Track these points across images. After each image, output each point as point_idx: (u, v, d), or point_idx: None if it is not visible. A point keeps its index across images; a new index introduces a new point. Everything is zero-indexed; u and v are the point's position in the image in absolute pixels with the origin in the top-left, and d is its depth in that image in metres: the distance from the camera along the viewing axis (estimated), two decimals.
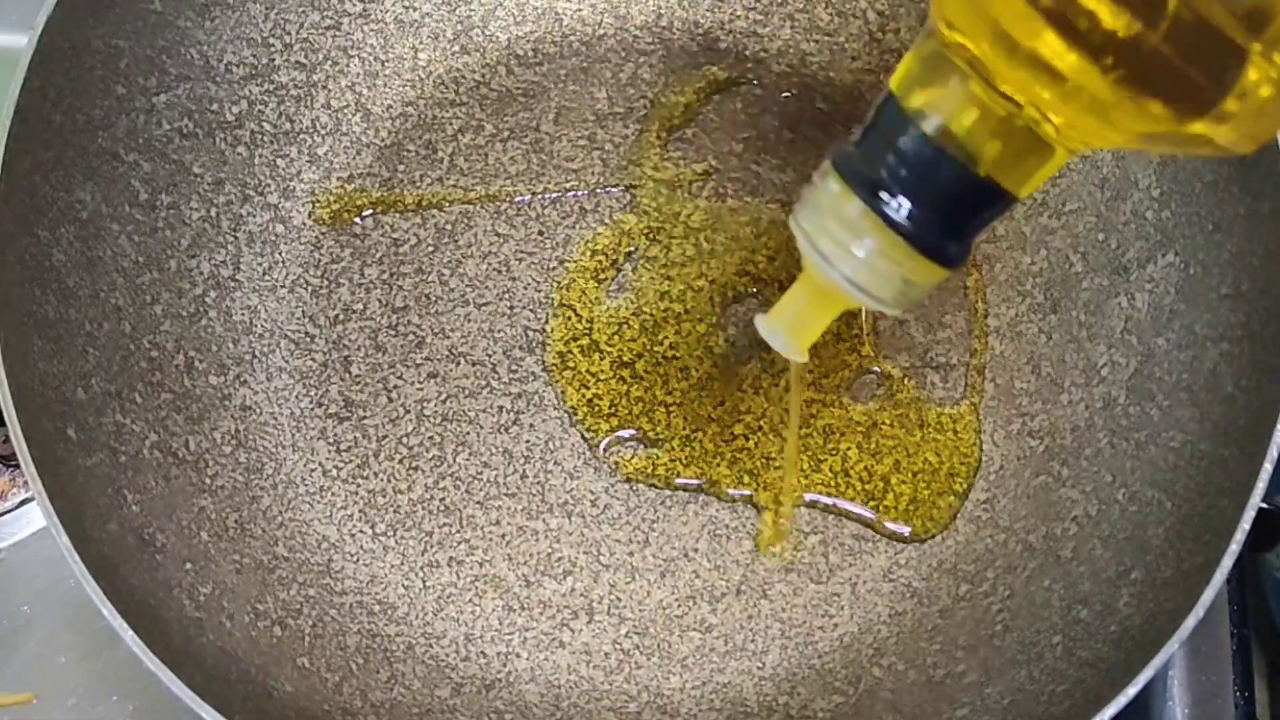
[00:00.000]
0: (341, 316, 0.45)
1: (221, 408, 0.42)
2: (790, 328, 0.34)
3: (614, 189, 0.46)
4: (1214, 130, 0.27)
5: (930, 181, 0.30)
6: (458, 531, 0.42)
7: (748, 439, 0.43)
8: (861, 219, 0.30)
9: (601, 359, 0.44)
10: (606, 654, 0.41)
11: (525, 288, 0.45)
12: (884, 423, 0.44)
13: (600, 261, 0.45)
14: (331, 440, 0.43)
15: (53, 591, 0.44)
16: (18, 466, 0.35)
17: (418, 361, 0.44)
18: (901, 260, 0.31)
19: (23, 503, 0.46)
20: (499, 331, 0.44)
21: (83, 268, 0.39)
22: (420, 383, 0.44)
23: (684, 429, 0.43)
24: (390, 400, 0.44)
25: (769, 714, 0.40)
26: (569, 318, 0.44)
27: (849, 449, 0.43)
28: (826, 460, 0.43)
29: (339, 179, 0.46)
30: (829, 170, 0.31)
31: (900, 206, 0.30)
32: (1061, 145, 0.29)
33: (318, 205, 0.46)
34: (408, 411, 0.44)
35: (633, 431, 0.43)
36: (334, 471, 0.43)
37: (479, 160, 0.46)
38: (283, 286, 0.45)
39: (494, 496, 0.43)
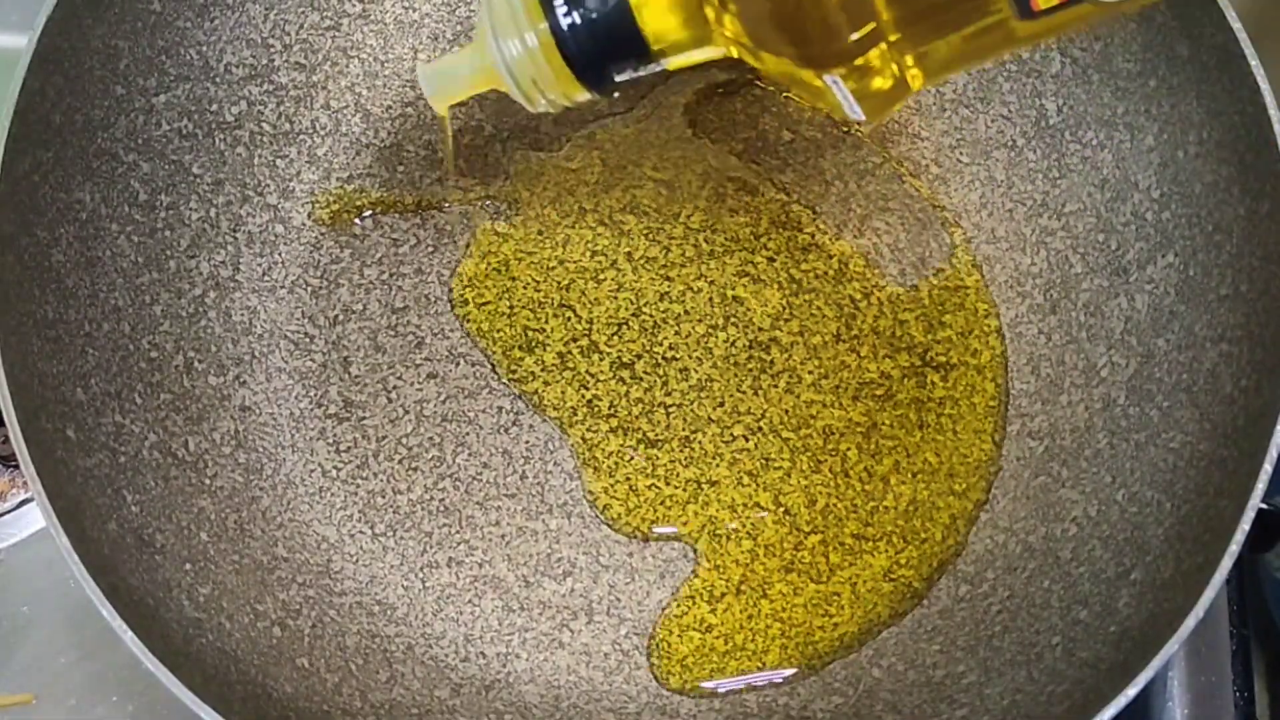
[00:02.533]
0: (341, 317, 0.45)
1: (221, 408, 0.42)
2: (444, 83, 0.37)
3: (614, 189, 0.46)
4: (829, 89, 0.32)
5: (604, 20, 0.33)
6: (457, 532, 0.42)
7: (747, 440, 0.43)
8: (535, 20, 0.34)
9: (601, 359, 0.44)
10: (606, 654, 0.41)
11: (524, 287, 0.45)
12: (884, 423, 0.44)
13: (600, 262, 0.45)
14: (331, 441, 0.43)
15: (52, 592, 0.44)
16: (17, 467, 0.35)
17: (417, 362, 0.44)
18: (552, 67, 0.34)
19: (22, 503, 0.46)
20: (498, 331, 0.44)
21: (82, 268, 0.39)
22: (420, 383, 0.44)
23: (683, 430, 0.43)
24: (390, 400, 0.44)
25: (769, 714, 0.40)
26: (568, 318, 0.44)
27: (848, 449, 0.43)
28: (826, 461, 0.43)
29: (338, 179, 0.46)
30: None
31: (571, 24, 0.33)
32: (720, 38, 0.33)
33: (317, 206, 0.46)
34: (407, 412, 0.44)
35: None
36: (333, 472, 0.43)
37: (478, 160, 0.46)
38: (282, 287, 0.45)
39: (493, 497, 0.43)
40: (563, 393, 0.44)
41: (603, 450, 0.43)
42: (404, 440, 0.43)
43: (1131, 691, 0.33)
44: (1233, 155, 0.38)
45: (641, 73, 0.34)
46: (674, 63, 0.34)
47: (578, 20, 0.33)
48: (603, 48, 0.34)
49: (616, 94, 0.35)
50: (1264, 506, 0.35)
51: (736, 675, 0.41)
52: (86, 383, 0.38)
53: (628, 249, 0.45)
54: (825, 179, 0.46)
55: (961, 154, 0.46)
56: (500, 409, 0.44)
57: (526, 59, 0.34)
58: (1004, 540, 0.42)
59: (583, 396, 0.43)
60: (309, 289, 0.45)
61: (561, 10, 0.33)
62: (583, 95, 0.35)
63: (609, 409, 0.43)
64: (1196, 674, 0.43)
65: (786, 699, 0.41)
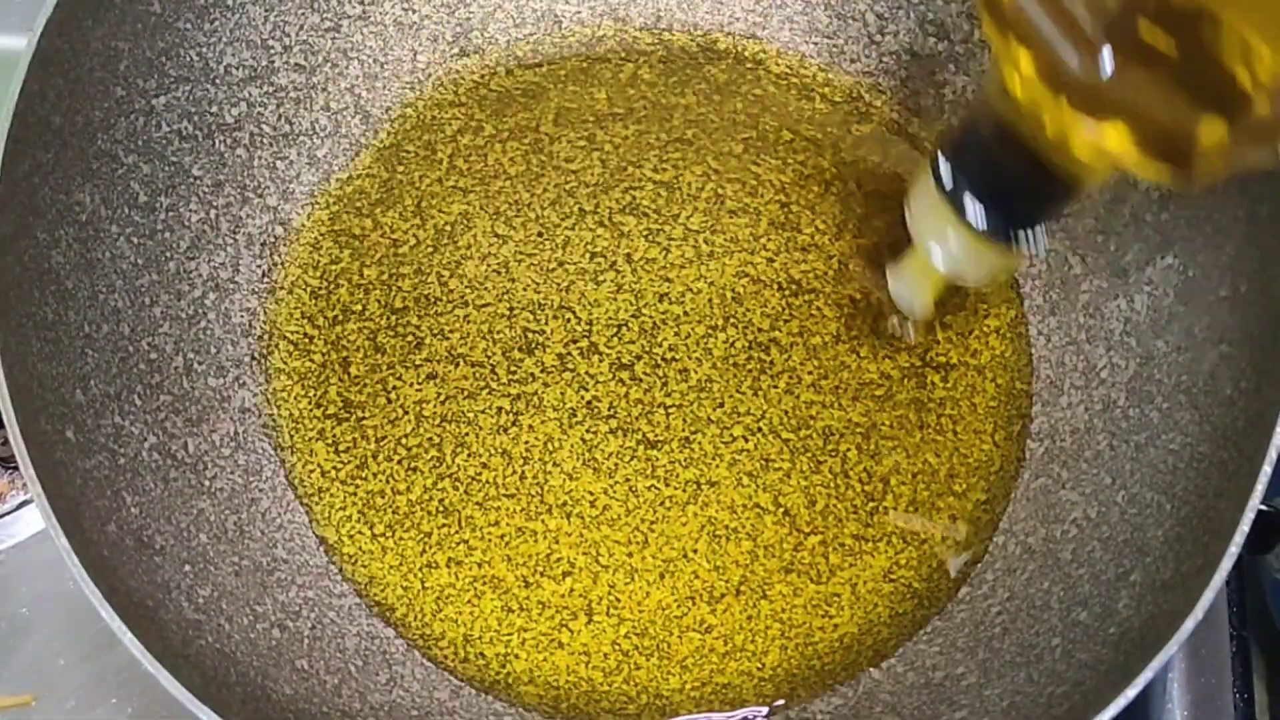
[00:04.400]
0: (340, 318, 0.45)
1: (220, 409, 0.42)
2: (910, 294, 0.41)
3: (613, 190, 0.46)
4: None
5: (997, 176, 0.35)
6: (456, 532, 0.42)
7: (747, 440, 0.43)
8: (947, 219, 0.36)
9: (600, 360, 0.44)
10: (605, 655, 0.41)
11: (524, 289, 0.45)
12: (883, 424, 0.43)
13: (600, 263, 0.45)
14: (330, 441, 0.43)
15: (52, 593, 0.44)
16: (17, 468, 0.35)
17: (416, 363, 0.44)
18: (983, 251, 0.37)
19: (22, 505, 0.46)
20: (498, 333, 0.44)
21: (82, 269, 0.39)
22: (419, 384, 0.44)
23: (683, 431, 0.43)
24: (389, 401, 0.44)
25: (769, 715, 0.40)
26: (568, 319, 0.44)
27: (848, 450, 0.43)
28: (826, 462, 0.43)
29: (338, 180, 0.46)
30: (928, 172, 0.37)
31: (977, 209, 0.36)
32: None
33: (317, 207, 0.46)
34: (406, 413, 0.44)
35: None
36: (333, 473, 0.43)
37: (478, 161, 0.46)
38: (281, 288, 0.45)
39: (493, 497, 0.43)
40: (562, 394, 0.44)
41: (602, 451, 0.43)
42: (403, 441, 0.43)
43: (1131, 693, 0.33)
44: None
45: (1066, 204, 0.36)
46: (1087, 182, 0.34)
47: (984, 208, 0.36)
48: (1017, 212, 0.36)
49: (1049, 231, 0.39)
50: (1264, 508, 0.35)
51: (735, 678, 0.41)
52: (86, 384, 0.38)
53: (627, 250, 0.45)
54: (825, 179, 0.46)
55: None
56: (499, 410, 0.44)
57: (964, 258, 0.37)
58: (1003, 541, 0.42)
59: (582, 398, 0.43)
60: (308, 290, 0.45)
61: (970, 212, 0.36)
62: (1022, 259, 0.38)
63: (609, 410, 0.43)
64: (1196, 675, 0.43)
65: (786, 699, 0.41)
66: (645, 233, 0.45)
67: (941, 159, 0.36)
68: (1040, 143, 0.33)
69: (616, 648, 0.41)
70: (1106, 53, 0.29)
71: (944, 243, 0.37)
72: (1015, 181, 0.35)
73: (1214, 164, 0.30)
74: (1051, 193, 0.35)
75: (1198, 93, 0.29)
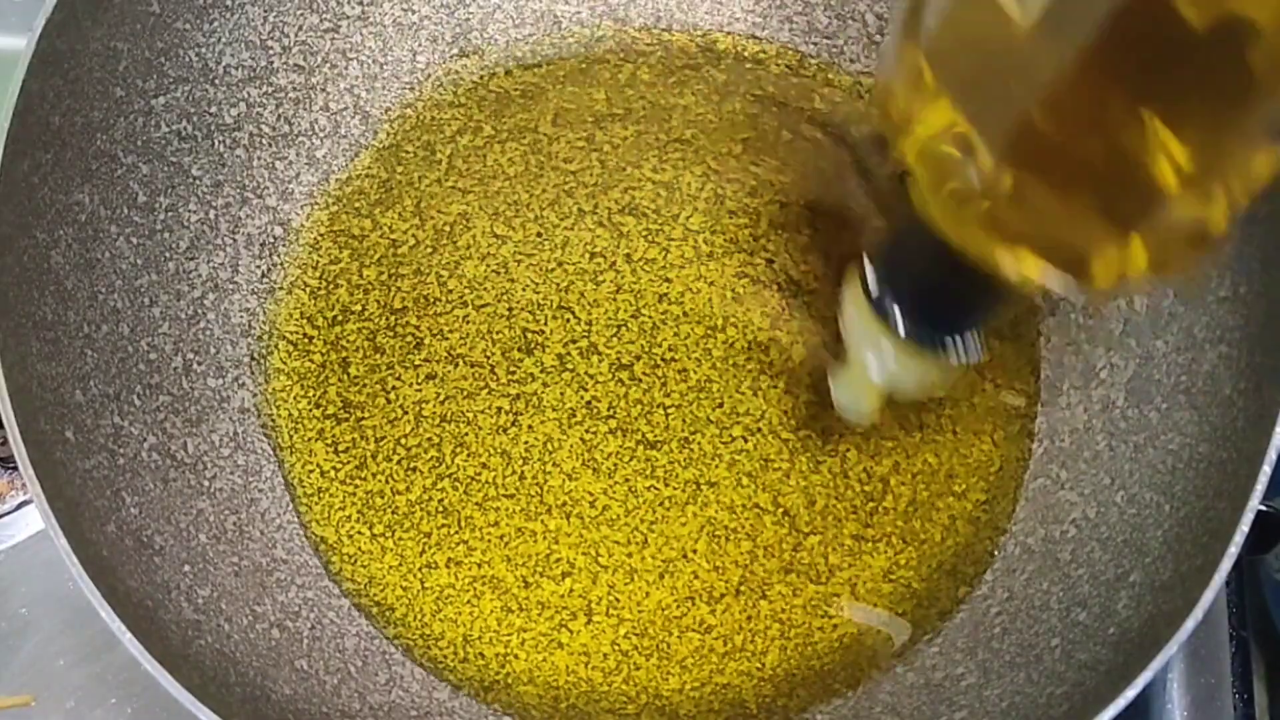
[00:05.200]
0: (340, 318, 0.45)
1: (220, 410, 0.42)
2: (852, 403, 0.40)
3: (613, 191, 0.46)
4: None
5: (923, 283, 0.34)
6: (456, 533, 0.42)
7: (746, 440, 0.43)
8: (876, 327, 0.36)
9: (600, 361, 0.44)
10: (605, 655, 0.41)
11: (523, 289, 0.45)
12: (883, 423, 0.43)
13: (599, 264, 0.45)
14: (330, 441, 0.43)
15: (51, 594, 0.44)
16: (16, 469, 0.35)
17: (416, 363, 0.44)
18: (914, 360, 0.36)
19: (21, 505, 0.46)
20: (497, 333, 0.44)
21: (81, 270, 0.39)
22: (418, 384, 0.44)
23: (682, 431, 0.43)
24: (388, 401, 0.44)
25: (768, 715, 0.40)
26: (567, 320, 0.44)
27: (848, 450, 0.43)
28: (825, 461, 0.43)
29: (338, 181, 0.46)
30: (854, 280, 0.36)
31: (902, 316, 0.35)
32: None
33: (316, 207, 0.46)
34: (406, 413, 0.44)
35: None
36: (332, 473, 0.43)
37: (477, 161, 0.46)
38: (281, 288, 0.45)
39: (492, 498, 0.43)
40: (562, 394, 0.44)
41: (602, 451, 0.43)
42: (403, 441, 0.43)
43: (1130, 693, 0.33)
44: None
45: (993, 313, 0.35)
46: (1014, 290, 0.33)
47: (906, 313, 0.35)
48: (943, 316, 0.35)
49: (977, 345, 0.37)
50: (1263, 508, 0.35)
51: (735, 678, 0.41)
52: (85, 384, 0.38)
53: (627, 250, 0.45)
54: (825, 179, 0.46)
55: None
56: (499, 410, 0.44)
57: (895, 368, 0.36)
58: (1002, 542, 0.42)
59: (582, 398, 0.43)
60: (307, 290, 0.45)
61: (894, 317, 0.35)
62: (957, 367, 0.36)
63: (608, 410, 0.43)
64: (1196, 676, 0.43)
65: (786, 700, 0.41)
66: (645, 233, 0.45)
67: (868, 266, 0.35)
68: (963, 252, 0.32)
69: (616, 648, 0.41)
70: (1006, 172, 0.28)
71: (876, 351, 0.36)
72: (941, 289, 0.34)
73: (1138, 279, 0.30)
74: (979, 300, 0.34)
75: (1110, 209, 0.29)
